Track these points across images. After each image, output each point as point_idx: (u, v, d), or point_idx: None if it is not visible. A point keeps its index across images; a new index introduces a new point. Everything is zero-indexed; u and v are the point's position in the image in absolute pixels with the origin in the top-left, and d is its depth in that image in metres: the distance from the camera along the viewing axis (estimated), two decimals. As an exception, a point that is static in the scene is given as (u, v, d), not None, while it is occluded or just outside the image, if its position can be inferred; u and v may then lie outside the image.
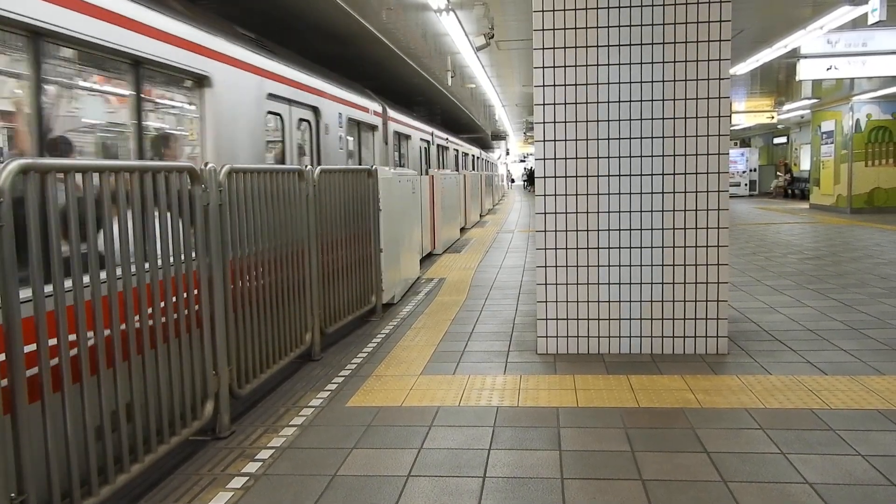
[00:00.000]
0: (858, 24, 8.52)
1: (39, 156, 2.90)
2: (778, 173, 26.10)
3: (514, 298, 6.57)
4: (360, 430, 3.31)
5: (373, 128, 9.15)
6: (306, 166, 4.55)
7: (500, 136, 31.58)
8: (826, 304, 5.89)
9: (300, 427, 3.37)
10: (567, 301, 4.56)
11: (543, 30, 4.42)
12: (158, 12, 3.88)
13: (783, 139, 28.91)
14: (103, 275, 2.44)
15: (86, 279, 2.35)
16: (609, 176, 4.45)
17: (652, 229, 4.45)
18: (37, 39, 2.92)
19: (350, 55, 10.35)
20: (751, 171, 28.12)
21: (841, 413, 3.35)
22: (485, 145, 37.23)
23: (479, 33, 9.05)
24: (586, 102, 4.42)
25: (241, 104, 4.90)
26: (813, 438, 3.05)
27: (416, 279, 7.76)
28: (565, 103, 4.44)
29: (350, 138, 8.09)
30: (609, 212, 4.47)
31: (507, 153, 53.17)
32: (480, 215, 18.40)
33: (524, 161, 53.19)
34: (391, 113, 10.18)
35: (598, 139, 4.44)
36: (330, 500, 2.61)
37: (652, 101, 4.38)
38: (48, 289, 2.14)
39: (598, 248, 4.50)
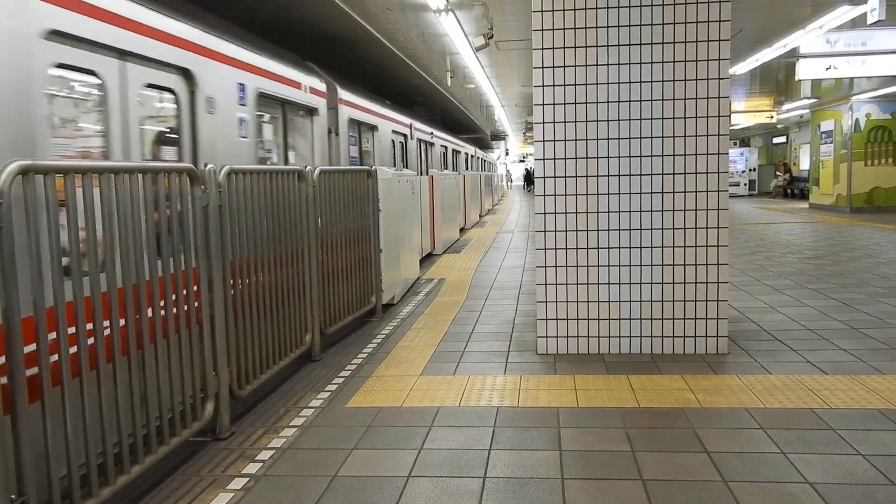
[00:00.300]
0: (858, 23, 8.53)
1: None
2: (777, 173, 26.11)
3: (514, 298, 6.57)
4: (360, 430, 3.31)
5: (310, 112, 6.55)
6: (176, 160, 3.72)
7: (499, 136, 31.59)
8: (826, 304, 5.89)
9: (300, 428, 3.37)
10: (567, 301, 4.56)
11: (543, 30, 4.42)
12: None
13: (782, 139, 28.94)
14: (103, 276, 2.44)
15: (86, 280, 2.35)
16: (609, 176, 4.45)
17: (652, 229, 4.45)
18: None
19: (349, 56, 10.35)
20: (750, 170, 28.13)
21: (841, 413, 3.34)
22: (484, 145, 37.21)
23: (478, 33, 9.06)
24: (586, 102, 4.42)
25: None
26: (813, 438, 3.05)
27: (416, 279, 7.76)
28: (565, 103, 4.44)
29: (268, 123, 5.81)
30: (609, 212, 4.47)
31: (507, 153, 53.18)
32: (480, 216, 18.41)
33: (523, 161, 53.20)
34: (345, 94, 7.69)
35: (597, 139, 4.44)
36: (330, 500, 2.61)
37: (651, 100, 4.38)
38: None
39: (598, 248, 4.50)
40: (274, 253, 3.90)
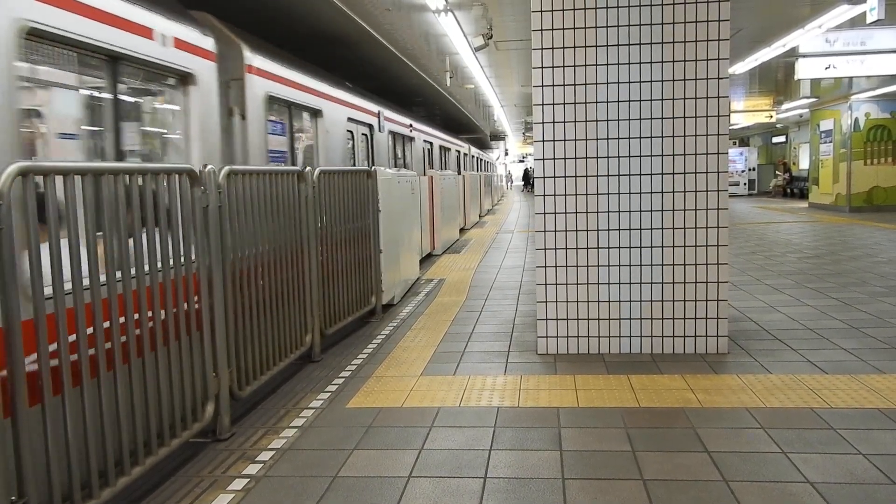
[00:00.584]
0: (857, 22, 8.53)
1: None
2: (777, 172, 26.12)
3: (514, 299, 6.57)
4: (360, 431, 3.31)
5: (182, 79, 4.11)
6: None
7: (498, 136, 31.57)
8: (826, 303, 5.89)
9: (300, 428, 3.37)
10: (567, 301, 4.56)
11: (542, 30, 4.42)
12: None
13: (782, 138, 28.95)
14: (103, 277, 2.44)
15: (86, 281, 2.34)
16: (608, 176, 4.45)
17: (651, 229, 4.45)
18: None
19: (348, 56, 10.35)
20: (750, 170, 28.14)
21: (841, 412, 3.34)
22: (483, 145, 37.16)
23: (477, 34, 9.06)
24: (585, 102, 4.42)
25: None
26: (814, 437, 3.05)
27: (416, 280, 7.76)
28: (564, 103, 4.44)
29: (82, 91, 3.50)
30: (609, 211, 4.47)
31: (507, 153, 53.17)
32: (480, 216, 18.40)
33: (523, 161, 53.20)
34: (258, 61, 5.35)
35: (597, 139, 4.44)
36: (331, 501, 2.61)
37: (651, 100, 4.38)
38: (48, 291, 2.13)
39: (598, 247, 4.50)
40: (274, 254, 3.89)
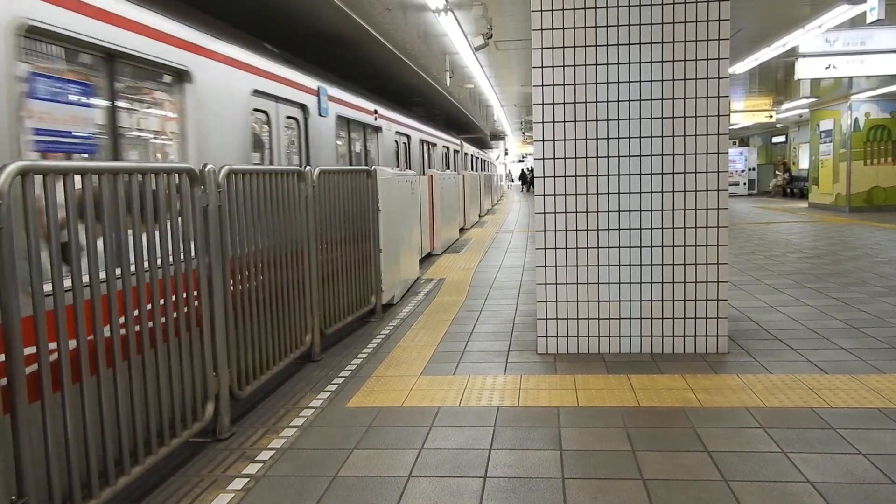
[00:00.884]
0: (857, 22, 8.53)
1: None
2: (777, 172, 26.13)
3: (514, 298, 6.57)
4: (360, 430, 3.31)
5: None
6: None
7: (498, 136, 31.57)
8: (826, 303, 5.89)
9: (300, 428, 3.36)
10: (567, 301, 4.56)
11: (542, 29, 4.41)
12: None
13: (782, 138, 28.96)
14: (103, 276, 2.44)
15: (85, 280, 2.34)
16: (608, 175, 4.45)
17: (651, 228, 4.45)
18: None
19: (348, 56, 10.35)
20: (750, 170, 28.15)
21: (841, 412, 3.34)
22: (484, 145, 37.12)
23: (477, 33, 9.07)
24: (585, 102, 4.42)
25: None
26: (814, 437, 3.05)
27: (416, 279, 7.76)
28: (564, 103, 4.44)
29: None
30: (608, 211, 4.47)
31: (506, 153, 53.18)
32: (479, 215, 18.40)
33: (522, 161, 53.21)
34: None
35: (597, 139, 4.44)
36: (330, 500, 2.61)
37: (651, 100, 4.38)
38: (47, 288, 2.13)
39: (598, 247, 4.50)
40: (274, 253, 3.89)
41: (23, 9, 2.92)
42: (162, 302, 2.80)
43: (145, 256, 2.71)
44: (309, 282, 4.44)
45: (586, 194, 4.48)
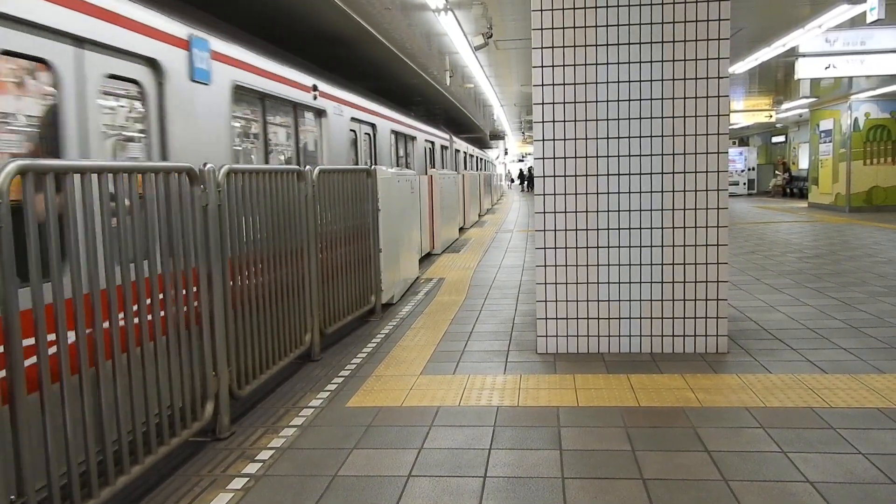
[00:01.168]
0: (857, 22, 8.53)
1: None
2: (777, 172, 26.13)
3: (514, 298, 6.57)
4: (360, 430, 3.30)
5: None
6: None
7: (498, 135, 31.55)
8: (825, 303, 5.89)
9: (300, 428, 3.36)
10: (567, 300, 4.56)
11: (542, 29, 4.41)
12: None
13: (782, 138, 28.96)
14: (103, 275, 2.43)
15: (85, 280, 2.34)
16: (608, 175, 4.45)
17: (651, 228, 4.45)
18: None
19: (347, 55, 10.35)
20: (749, 169, 28.16)
21: (841, 411, 3.34)
22: (483, 144, 37.11)
23: (477, 33, 9.06)
24: (585, 101, 4.42)
25: None
26: (813, 437, 3.05)
27: (416, 279, 7.76)
28: (564, 102, 4.44)
29: None
30: (608, 211, 4.47)
31: (506, 153, 53.16)
32: (479, 215, 18.40)
33: (522, 161, 53.20)
34: None
35: (597, 138, 4.44)
36: (330, 500, 2.61)
37: (651, 99, 4.38)
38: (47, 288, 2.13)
39: (598, 247, 4.50)
40: (273, 253, 3.89)
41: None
42: (161, 301, 2.80)
43: (145, 257, 2.71)
44: (308, 281, 4.43)
45: (586, 194, 4.48)
